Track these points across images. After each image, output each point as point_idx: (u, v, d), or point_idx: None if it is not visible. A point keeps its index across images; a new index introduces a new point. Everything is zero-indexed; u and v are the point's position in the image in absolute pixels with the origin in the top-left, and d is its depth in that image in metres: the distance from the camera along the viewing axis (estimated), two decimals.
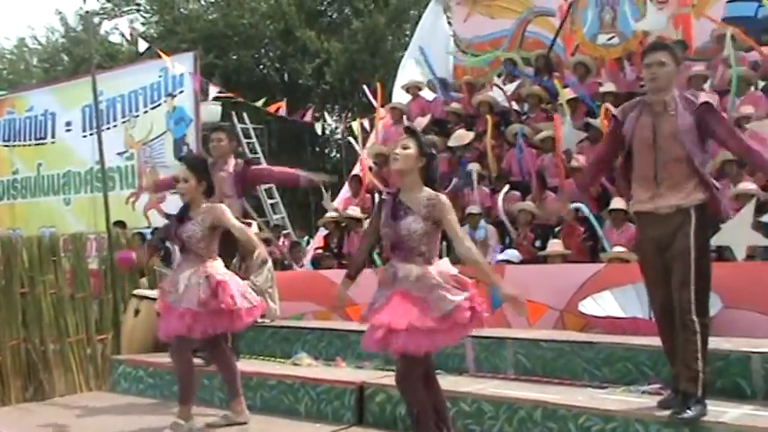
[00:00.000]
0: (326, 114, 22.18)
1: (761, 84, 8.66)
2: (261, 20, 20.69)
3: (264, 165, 14.25)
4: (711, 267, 4.01)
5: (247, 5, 20.88)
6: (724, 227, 6.25)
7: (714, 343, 4.03)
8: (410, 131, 3.97)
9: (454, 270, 3.85)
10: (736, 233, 6.16)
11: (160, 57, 10.32)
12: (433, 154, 3.95)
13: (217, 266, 4.74)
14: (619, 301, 5.60)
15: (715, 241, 6.26)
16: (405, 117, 10.70)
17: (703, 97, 4.12)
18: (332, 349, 6.16)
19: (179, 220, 4.81)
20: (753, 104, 7.92)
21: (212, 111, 13.57)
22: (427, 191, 3.85)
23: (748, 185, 6.86)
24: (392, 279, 3.84)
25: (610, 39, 10.19)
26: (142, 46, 10.68)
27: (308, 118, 12.88)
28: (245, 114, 15.36)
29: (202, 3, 23.05)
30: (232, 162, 6.02)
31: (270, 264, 5.91)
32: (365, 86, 13.50)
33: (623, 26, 10.02)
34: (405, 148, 3.88)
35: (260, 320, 6.23)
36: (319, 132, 15.39)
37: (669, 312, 3.98)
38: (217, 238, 4.85)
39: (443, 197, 3.86)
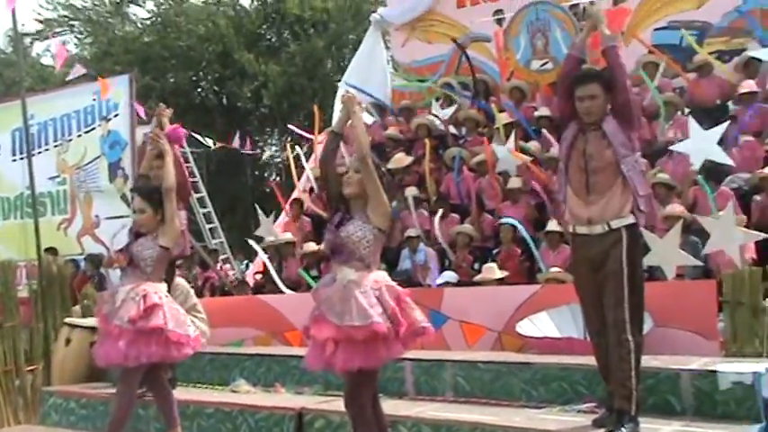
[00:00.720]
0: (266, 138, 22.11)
1: (686, 109, 9.01)
2: (198, 42, 20.54)
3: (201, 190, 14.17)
4: (644, 286, 4.13)
5: (185, 28, 20.72)
6: (654, 248, 6.45)
7: (645, 361, 4.12)
8: None
9: (391, 282, 3.87)
10: (666, 253, 6.36)
11: (94, 79, 10.14)
12: (383, 173, 3.99)
13: (158, 288, 4.66)
14: (555, 322, 5.69)
15: (646, 262, 6.47)
16: (343, 141, 10.71)
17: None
18: (271, 375, 6.09)
19: (135, 235, 4.74)
20: (680, 129, 8.20)
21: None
22: None
23: (676, 207, 7.09)
24: (331, 282, 3.85)
25: (543, 64, 10.44)
26: (77, 71, 10.48)
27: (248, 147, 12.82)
28: None
29: (138, 25, 22.79)
30: None
31: (184, 287, 5.85)
32: (291, 126, 13.54)
33: (556, 52, 10.28)
34: (357, 171, 3.90)
35: None
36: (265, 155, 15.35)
37: (603, 331, 4.07)
38: (167, 260, 4.77)
39: None
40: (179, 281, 6.56)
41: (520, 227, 7.68)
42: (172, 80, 20.77)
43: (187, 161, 14.74)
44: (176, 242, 4.81)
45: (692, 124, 7.41)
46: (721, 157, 7.29)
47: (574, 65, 4.43)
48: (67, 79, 11.28)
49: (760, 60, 8.57)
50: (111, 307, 4.59)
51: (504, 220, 7.82)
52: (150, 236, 4.68)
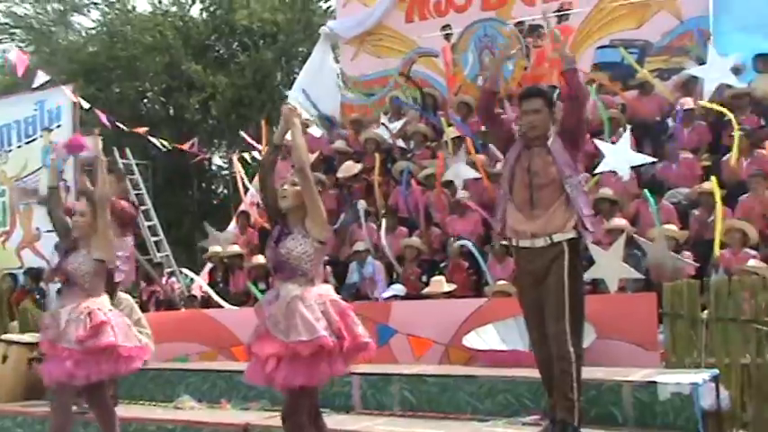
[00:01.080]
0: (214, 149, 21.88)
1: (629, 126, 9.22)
2: (145, 53, 20.24)
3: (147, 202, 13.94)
4: (585, 299, 4.20)
5: (131, 38, 20.40)
6: (598, 260, 6.58)
7: (588, 372, 4.19)
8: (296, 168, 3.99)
9: (335, 296, 3.86)
10: (609, 266, 6.49)
11: (34, 90, 9.93)
12: (320, 188, 4.01)
13: (102, 303, 4.56)
14: (501, 334, 5.74)
15: (589, 275, 6.60)
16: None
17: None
18: (216, 391, 6.01)
19: (65, 252, 4.62)
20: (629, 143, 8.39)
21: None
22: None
23: (620, 221, 7.25)
24: (274, 299, 3.81)
25: None
26: (40, 78, 10.22)
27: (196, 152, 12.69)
28: (127, 149, 14.90)
29: (83, 34, 22.36)
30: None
31: (128, 302, 5.76)
32: (243, 133, 13.45)
33: (502, 67, 10.39)
34: (293, 184, 3.90)
35: None
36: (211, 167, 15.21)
37: (545, 343, 4.13)
38: (104, 273, 4.67)
39: None
40: (122, 295, 6.44)
41: (468, 244, 7.75)
42: (117, 91, 20.41)
43: (132, 173, 14.55)
44: (108, 253, 4.68)
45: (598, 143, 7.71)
46: (640, 158, 7.61)
47: (488, 98, 4.50)
48: (33, 86, 10.97)
49: (697, 79, 8.83)
50: (56, 330, 4.47)
51: (458, 243, 7.86)
52: (83, 251, 4.57)
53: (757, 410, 5.06)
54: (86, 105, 11.22)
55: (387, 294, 7.64)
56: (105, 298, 4.64)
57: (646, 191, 7.40)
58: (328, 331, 3.66)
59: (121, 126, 12.18)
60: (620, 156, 7.64)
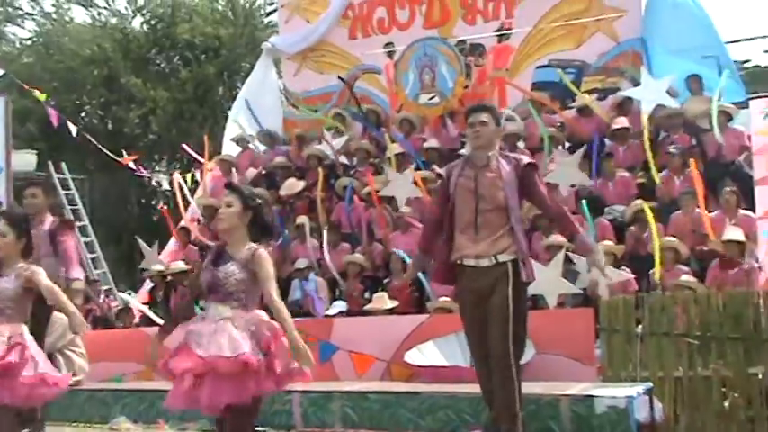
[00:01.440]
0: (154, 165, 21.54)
1: (567, 144, 9.44)
2: (83, 65, 19.86)
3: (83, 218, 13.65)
4: (527, 316, 4.27)
5: (68, 49, 19.99)
6: (538, 277, 6.67)
7: (527, 387, 4.25)
8: (232, 188, 3.94)
9: (270, 320, 3.79)
10: (548, 282, 6.61)
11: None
12: (259, 204, 3.93)
13: (21, 330, 4.42)
14: (442, 351, 5.78)
15: (530, 290, 6.69)
16: (234, 169, 10.63)
17: (527, 159, 4.43)
18: (153, 411, 5.87)
19: None
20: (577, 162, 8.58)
21: (26, 160, 12.79)
22: (250, 244, 3.80)
23: (558, 237, 7.38)
24: (200, 318, 3.74)
25: (431, 98, 10.68)
26: None
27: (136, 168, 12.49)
28: (63, 164, 14.56)
29: (17, 45, 21.82)
30: (48, 219, 5.70)
31: (62, 321, 5.60)
32: (185, 146, 13.30)
33: (442, 86, 10.55)
34: (228, 206, 3.82)
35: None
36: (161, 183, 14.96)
37: (487, 359, 4.17)
38: (30, 300, 4.52)
39: (262, 250, 3.79)
40: (56, 314, 6.27)
41: (407, 259, 7.77)
42: (53, 103, 19.97)
43: (68, 188, 14.22)
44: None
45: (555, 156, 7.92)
46: (581, 177, 7.90)
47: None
48: None
49: (633, 99, 9.10)
50: None
51: (398, 253, 7.89)
52: (7, 277, 4.42)
53: (690, 421, 5.20)
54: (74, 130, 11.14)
55: (332, 311, 7.62)
56: (26, 327, 4.46)
57: (584, 206, 7.57)
58: (255, 350, 3.59)
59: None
60: (567, 170, 7.85)
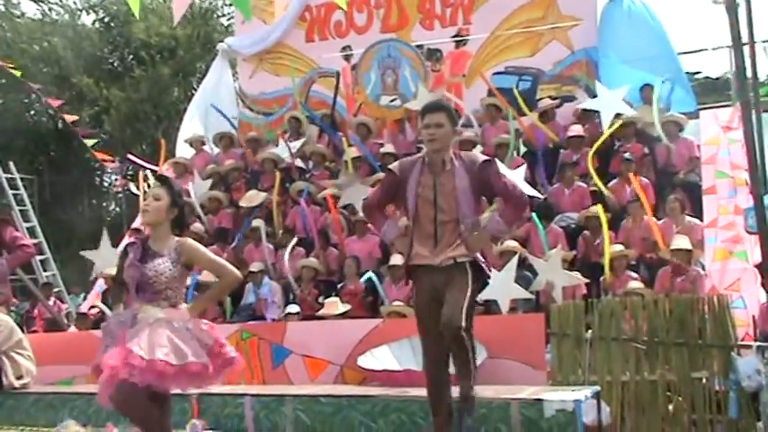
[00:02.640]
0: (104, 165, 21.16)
1: (523, 149, 9.56)
2: (32, 63, 19.45)
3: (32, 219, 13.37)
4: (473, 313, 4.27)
5: (16, 47, 19.54)
6: (491, 282, 6.74)
7: (478, 391, 4.27)
8: (162, 180, 3.89)
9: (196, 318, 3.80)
10: (501, 288, 6.69)
11: None
12: (185, 203, 3.91)
13: None
14: (395, 355, 5.80)
15: (481, 296, 6.77)
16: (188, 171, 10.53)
17: (482, 157, 4.30)
18: (103, 414, 5.75)
19: None
20: (516, 168, 8.68)
21: None
22: (175, 238, 3.78)
23: (512, 243, 7.47)
24: (130, 320, 3.69)
25: (392, 101, 10.73)
26: None
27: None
28: (11, 163, 14.25)
29: None
30: None
31: (7, 323, 5.52)
32: (131, 156, 13.13)
33: (404, 89, 10.62)
34: (156, 198, 3.77)
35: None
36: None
37: (440, 361, 4.17)
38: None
39: (189, 240, 3.81)
40: (2, 317, 6.15)
41: (373, 277, 7.78)
42: (1, 102, 19.53)
43: (16, 188, 13.93)
44: None
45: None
46: (530, 191, 7.82)
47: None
48: None
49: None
50: None
51: (364, 278, 7.88)
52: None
53: (635, 424, 5.32)
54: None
55: (289, 310, 7.60)
56: None
57: (534, 215, 7.67)
58: (197, 355, 3.59)
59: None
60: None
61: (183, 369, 3.51)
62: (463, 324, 3.94)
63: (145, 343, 3.55)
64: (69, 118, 12.81)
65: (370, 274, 7.86)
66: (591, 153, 8.42)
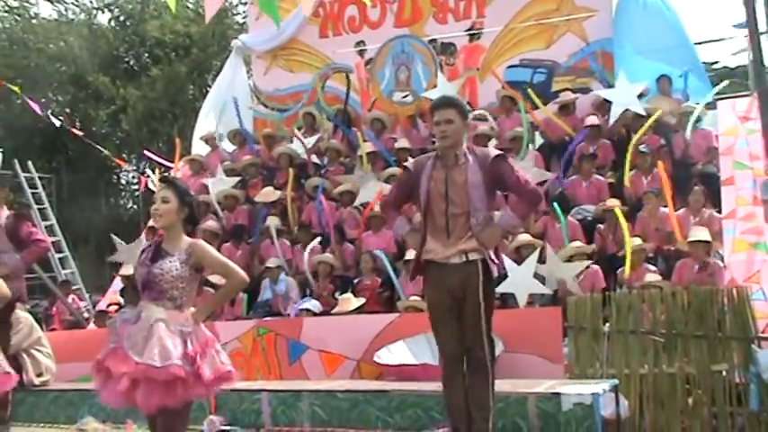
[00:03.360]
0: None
1: (538, 142, 9.50)
2: (49, 62, 19.59)
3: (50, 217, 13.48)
4: (493, 312, 4.28)
5: (33, 46, 19.69)
6: (510, 275, 6.73)
7: (496, 385, 4.26)
8: (168, 182, 3.90)
9: (201, 326, 3.79)
10: (520, 282, 6.67)
11: None
12: (194, 199, 3.93)
13: None
14: (411, 350, 5.81)
15: (500, 289, 6.75)
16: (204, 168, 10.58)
17: (495, 152, 4.30)
18: (122, 411, 5.78)
19: None
20: (533, 161, 8.65)
21: None
22: (187, 239, 3.80)
23: (527, 237, 7.43)
24: (135, 318, 3.71)
25: (404, 97, 10.71)
26: None
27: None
28: (29, 162, 14.37)
29: None
30: (3, 213, 5.67)
31: (27, 321, 5.56)
32: (147, 152, 13.19)
33: (416, 85, 10.59)
34: (165, 201, 3.79)
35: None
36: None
37: (454, 360, 4.16)
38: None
39: (201, 241, 3.84)
40: (22, 314, 6.21)
41: (382, 257, 7.78)
42: (18, 102, 19.68)
43: (34, 187, 14.05)
44: None
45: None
46: (545, 174, 8.07)
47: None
48: None
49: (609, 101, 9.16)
50: None
51: (371, 254, 7.87)
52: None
53: (654, 418, 5.28)
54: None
55: (301, 306, 7.60)
56: None
57: (556, 206, 7.63)
58: (183, 360, 3.59)
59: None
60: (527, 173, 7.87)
61: (166, 371, 3.53)
62: (487, 354, 4.06)
63: (139, 348, 3.59)
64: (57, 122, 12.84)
65: (379, 253, 7.83)
66: (633, 143, 8.29)
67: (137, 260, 3.88)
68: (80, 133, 12.66)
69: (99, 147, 12.89)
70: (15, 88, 10.47)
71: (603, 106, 9.19)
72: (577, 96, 9.56)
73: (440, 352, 4.30)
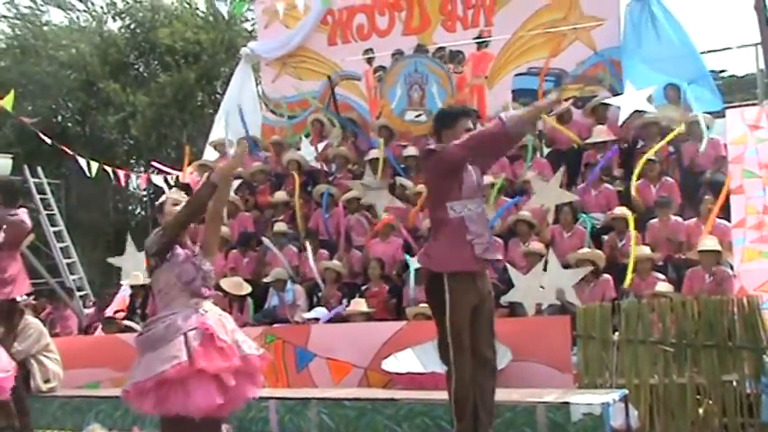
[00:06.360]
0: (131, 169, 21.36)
1: (546, 151, 9.48)
2: (60, 69, 19.68)
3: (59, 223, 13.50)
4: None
5: (44, 53, 19.78)
6: (517, 284, 6.71)
7: (504, 394, 4.26)
8: (182, 186, 3.98)
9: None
10: (527, 291, 6.64)
11: None
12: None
13: None
14: (420, 358, 5.78)
15: (506, 298, 6.73)
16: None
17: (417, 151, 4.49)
18: (129, 418, 5.82)
19: None
20: (539, 169, 8.62)
21: (1, 164, 12.66)
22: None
23: (539, 246, 7.41)
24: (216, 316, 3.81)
25: (418, 116, 10.68)
26: None
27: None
28: (39, 168, 14.41)
29: None
30: None
31: (37, 326, 5.57)
32: (155, 163, 13.21)
33: (431, 105, 10.53)
34: (175, 204, 3.86)
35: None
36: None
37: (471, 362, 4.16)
38: None
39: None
40: (30, 320, 6.23)
41: (414, 262, 7.61)
42: (29, 108, 19.77)
43: (43, 192, 14.08)
44: None
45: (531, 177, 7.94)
46: (568, 196, 7.91)
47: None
48: None
49: (607, 105, 9.13)
50: None
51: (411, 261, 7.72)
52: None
53: (664, 428, 5.24)
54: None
55: (308, 316, 7.59)
56: None
57: (584, 216, 7.61)
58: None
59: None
60: (550, 193, 7.86)
61: (263, 358, 3.77)
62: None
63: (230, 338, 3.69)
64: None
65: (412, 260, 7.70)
66: (652, 151, 8.22)
67: (178, 260, 3.77)
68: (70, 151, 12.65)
69: (89, 159, 12.90)
70: (8, 101, 10.41)
71: (600, 112, 9.15)
72: (569, 105, 9.50)
73: (466, 356, 4.14)
